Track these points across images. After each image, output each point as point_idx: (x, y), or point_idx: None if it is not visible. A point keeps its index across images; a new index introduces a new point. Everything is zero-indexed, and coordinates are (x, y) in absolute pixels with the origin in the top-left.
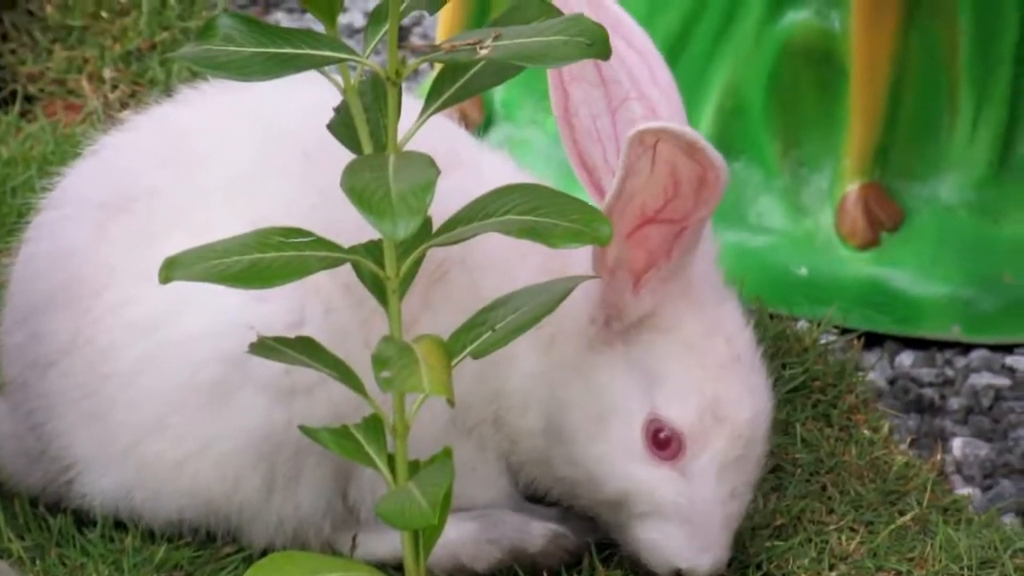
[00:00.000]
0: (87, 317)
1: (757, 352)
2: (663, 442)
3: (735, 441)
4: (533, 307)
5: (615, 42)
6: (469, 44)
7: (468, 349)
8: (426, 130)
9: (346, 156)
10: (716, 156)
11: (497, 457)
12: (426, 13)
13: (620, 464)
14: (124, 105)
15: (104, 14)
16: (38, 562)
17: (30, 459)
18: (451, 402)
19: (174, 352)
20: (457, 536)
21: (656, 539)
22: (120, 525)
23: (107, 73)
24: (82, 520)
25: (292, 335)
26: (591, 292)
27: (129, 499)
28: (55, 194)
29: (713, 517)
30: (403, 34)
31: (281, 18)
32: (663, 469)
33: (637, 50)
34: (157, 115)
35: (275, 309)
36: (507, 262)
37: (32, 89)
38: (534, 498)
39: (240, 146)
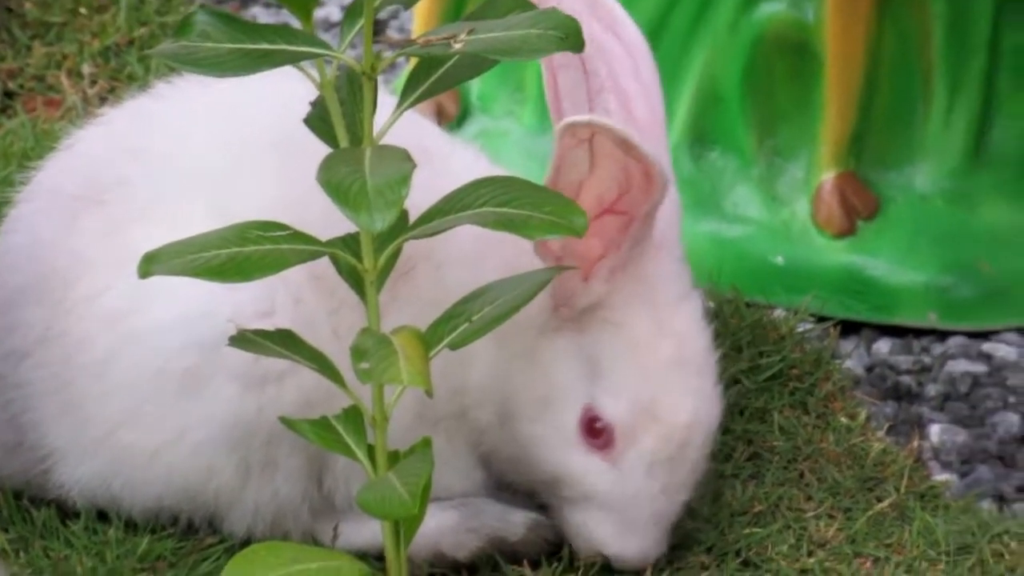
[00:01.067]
0: (60, 308)
1: (711, 356)
2: (597, 432)
3: (666, 442)
4: (510, 298)
5: (601, 34)
6: (444, 38)
7: (446, 341)
8: (397, 125)
9: (318, 148)
10: (649, 153)
11: (468, 450)
12: (402, 7)
13: (555, 448)
14: (103, 100)
15: (83, 10)
16: (22, 554)
17: (7, 450)
18: (429, 393)
19: (145, 341)
20: (437, 525)
21: (585, 523)
22: (103, 517)
23: (86, 69)
24: (66, 512)
25: (262, 324)
26: None
27: (107, 488)
28: (30, 187)
29: (641, 510)
30: (380, 28)
31: (258, 13)
32: (594, 458)
33: (625, 43)
34: (130, 108)
35: (245, 298)
36: (473, 258)
37: (11, 85)
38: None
39: (211, 137)
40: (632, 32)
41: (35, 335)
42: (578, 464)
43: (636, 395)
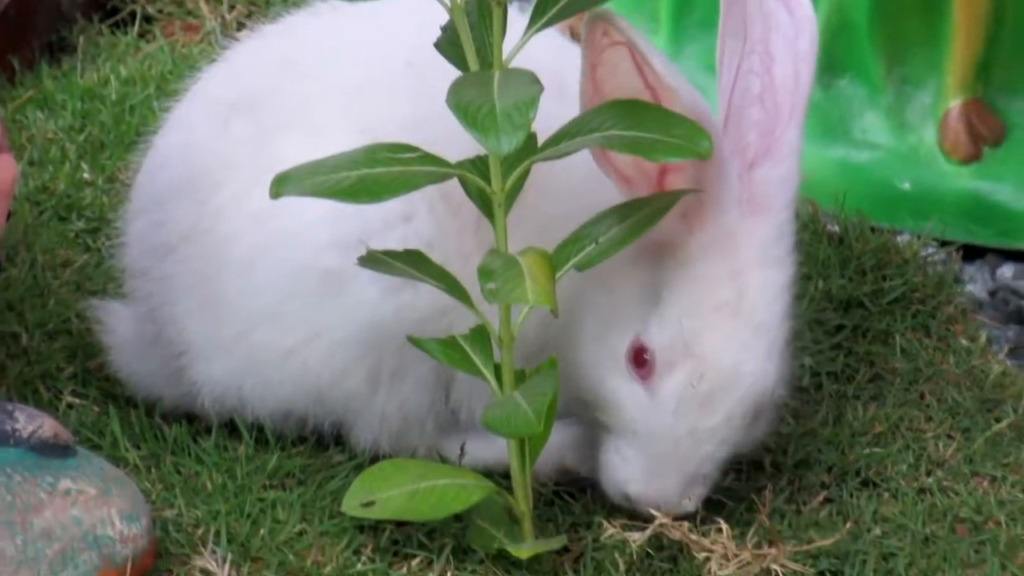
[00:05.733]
0: (208, 207)
1: (780, 326)
2: (642, 362)
3: (698, 380)
4: (636, 220)
5: (772, 3)
6: None
7: (572, 261)
8: (534, 48)
9: (453, 69)
10: (666, 76)
11: None
12: None
13: (603, 371)
14: (241, 25)
15: None
16: (153, 470)
17: (144, 344)
18: (555, 313)
19: (289, 240)
20: (560, 440)
21: (616, 454)
22: (233, 434)
23: None
24: (196, 430)
25: (404, 228)
26: None
27: (238, 387)
28: (187, 93)
29: (666, 448)
30: None
31: None
32: (635, 386)
33: (793, 16)
34: (285, 23)
35: (389, 200)
36: (583, 188)
37: (150, 9)
38: None
39: (355, 53)
40: (805, 10)
41: (182, 231)
42: (620, 389)
43: (681, 327)
